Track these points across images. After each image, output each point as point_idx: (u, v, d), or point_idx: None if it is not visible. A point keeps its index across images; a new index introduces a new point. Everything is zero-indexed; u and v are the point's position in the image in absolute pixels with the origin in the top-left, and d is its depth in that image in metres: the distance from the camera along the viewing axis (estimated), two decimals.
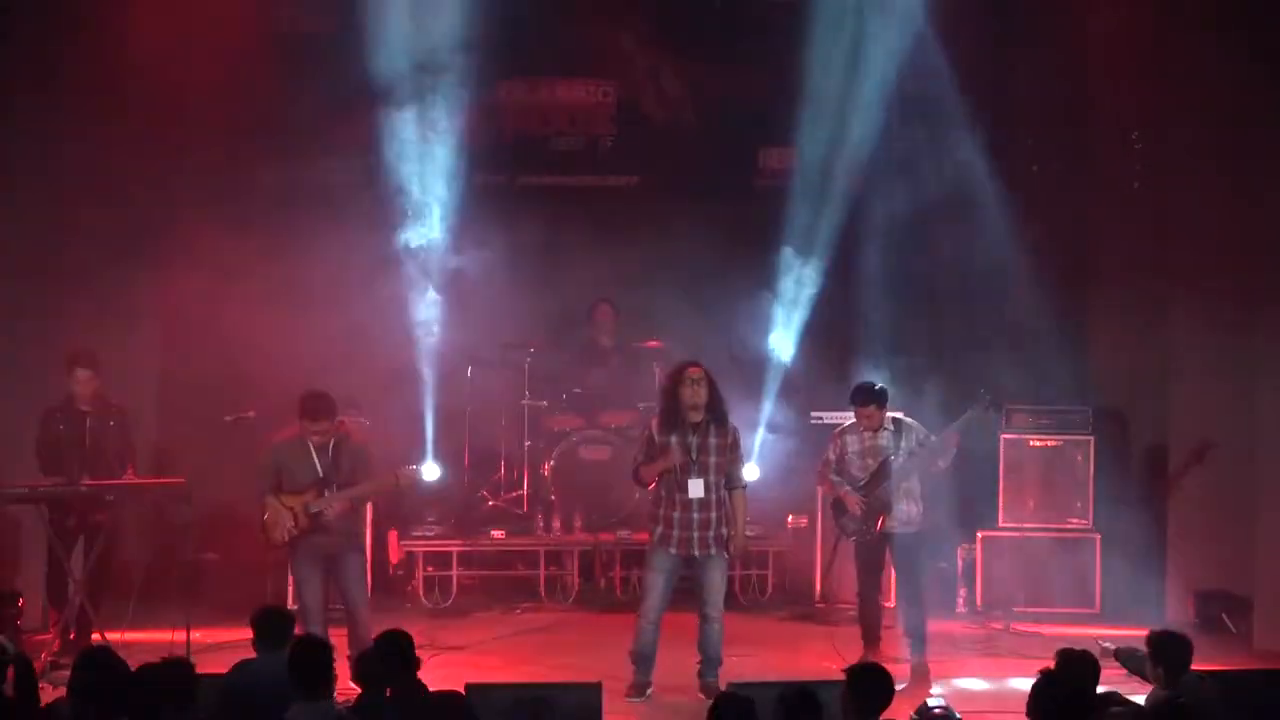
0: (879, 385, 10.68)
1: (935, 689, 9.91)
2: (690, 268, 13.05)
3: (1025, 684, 6.60)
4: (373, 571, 12.18)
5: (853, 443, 10.66)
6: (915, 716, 6.68)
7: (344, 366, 12.66)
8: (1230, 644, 10.90)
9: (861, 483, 10.57)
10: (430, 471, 12.10)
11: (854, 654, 10.53)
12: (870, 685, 6.57)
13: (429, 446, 12.48)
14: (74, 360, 10.77)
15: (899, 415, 10.70)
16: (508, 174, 14.02)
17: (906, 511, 10.54)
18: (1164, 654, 7.31)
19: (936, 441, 10.58)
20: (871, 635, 10.66)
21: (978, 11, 13.30)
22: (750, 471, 12.08)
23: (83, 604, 10.51)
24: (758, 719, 6.48)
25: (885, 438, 10.59)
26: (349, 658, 9.22)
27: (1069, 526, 12.37)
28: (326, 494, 9.93)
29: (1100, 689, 7.15)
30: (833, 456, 10.71)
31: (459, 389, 13.10)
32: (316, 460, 9.97)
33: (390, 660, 7.20)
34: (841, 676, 6.84)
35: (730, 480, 9.91)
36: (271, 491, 9.95)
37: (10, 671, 6.97)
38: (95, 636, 10.50)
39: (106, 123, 12.25)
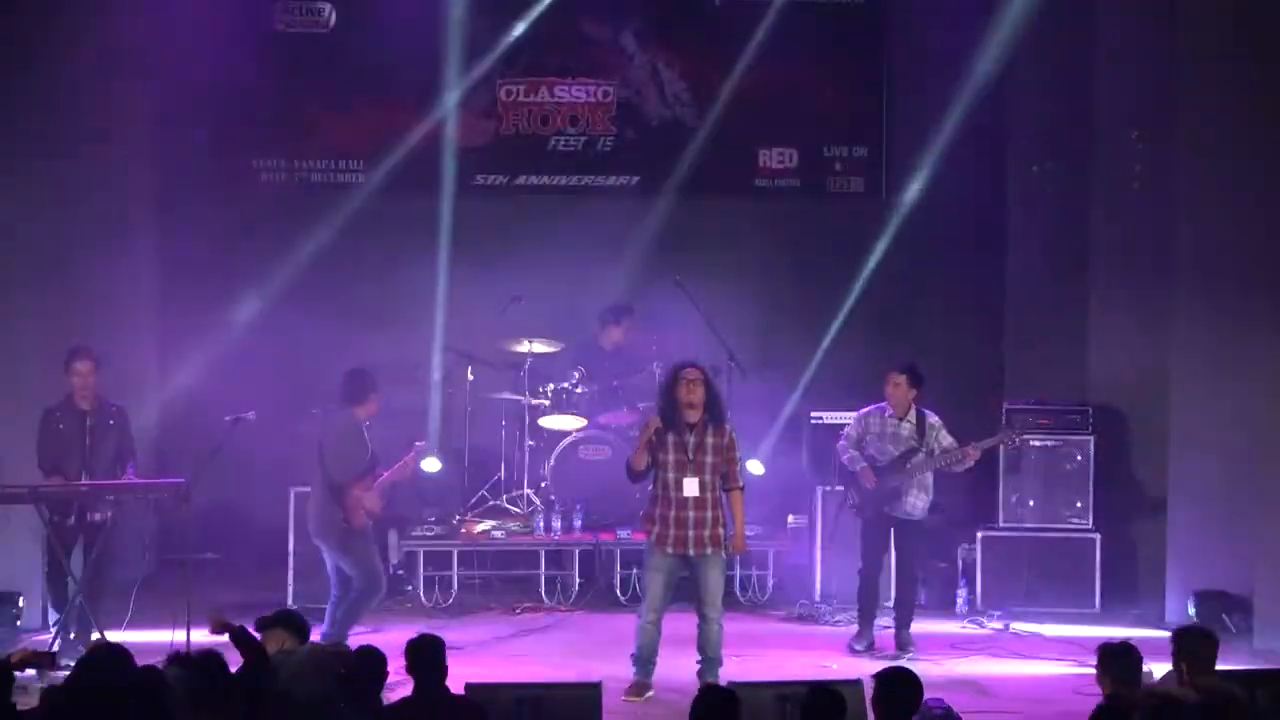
0: (916, 364, 11.08)
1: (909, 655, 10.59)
2: (690, 268, 13.03)
3: (1024, 684, 6.63)
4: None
5: (875, 424, 11.04)
6: (916, 717, 6.68)
7: (341, 366, 12.69)
8: (1230, 644, 10.88)
9: (879, 465, 10.94)
10: (431, 464, 12.26)
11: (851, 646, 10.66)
12: (899, 689, 6.58)
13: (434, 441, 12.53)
14: (73, 353, 10.77)
15: (927, 412, 11.05)
16: (508, 174, 14.02)
17: (914, 502, 10.96)
18: (1188, 650, 7.27)
19: (956, 453, 10.93)
20: (868, 615, 11.05)
21: (980, 10, 13.30)
22: (755, 466, 12.14)
23: (82, 604, 10.50)
24: (740, 713, 6.52)
25: (908, 429, 10.96)
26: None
27: (1069, 526, 12.35)
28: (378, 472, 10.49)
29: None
30: (854, 434, 11.08)
31: (459, 389, 13.09)
32: (369, 441, 10.47)
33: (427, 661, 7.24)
34: (840, 675, 6.85)
35: (728, 480, 9.93)
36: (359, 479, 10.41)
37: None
38: (95, 637, 10.49)
39: (107, 121, 12.26)
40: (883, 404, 11.04)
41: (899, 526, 11.03)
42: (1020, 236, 13.66)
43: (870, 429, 11.03)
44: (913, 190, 13.61)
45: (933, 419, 11.01)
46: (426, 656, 7.26)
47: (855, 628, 11.18)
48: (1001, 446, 11.45)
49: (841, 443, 11.14)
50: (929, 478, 10.99)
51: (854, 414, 11.30)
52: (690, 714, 6.60)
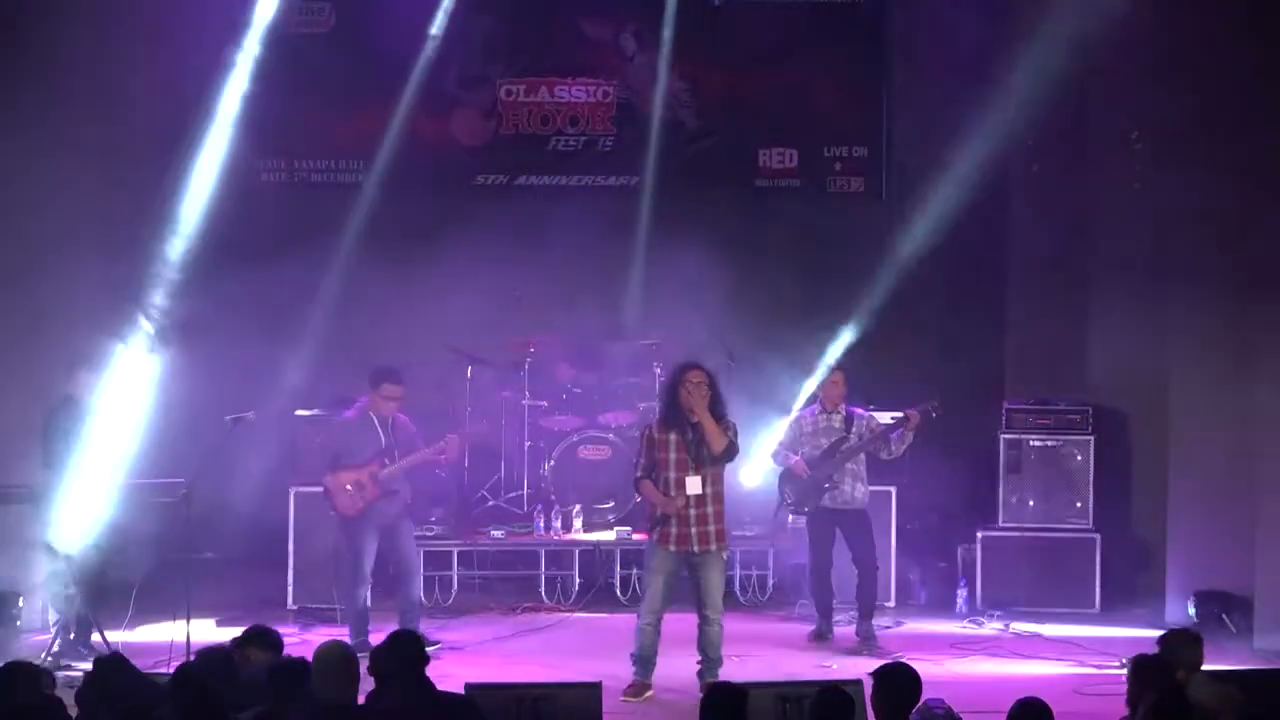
0: (847, 365, 11.56)
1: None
2: (690, 268, 13.04)
3: (1024, 684, 6.60)
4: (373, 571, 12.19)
5: (808, 424, 11.35)
6: (915, 716, 6.68)
7: (342, 367, 12.70)
8: (1230, 644, 10.89)
9: (812, 458, 11.22)
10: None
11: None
12: (897, 684, 6.59)
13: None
14: (83, 362, 10.77)
15: (854, 408, 11.39)
16: (508, 174, 14.03)
17: (850, 491, 11.19)
18: (1175, 652, 7.27)
19: (878, 436, 11.19)
20: (823, 609, 11.28)
21: (979, 11, 13.29)
22: (751, 477, 12.15)
23: (82, 604, 10.49)
24: (748, 712, 6.52)
25: (838, 419, 11.27)
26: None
27: (1069, 526, 12.36)
28: (389, 462, 10.69)
29: None
30: (789, 438, 11.35)
31: (459, 389, 13.09)
32: (380, 433, 10.72)
33: (404, 659, 7.17)
34: (841, 675, 6.85)
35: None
36: (330, 470, 10.72)
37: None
38: (95, 637, 10.50)
39: (106, 122, 12.26)
40: (812, 406, 11.42)
41: (845, 519, 11.20)
42: (1020, 236, 13.65)
43: (804, 429, 11.33)
44: (912, 190, 13.60)
45: (859, 411, 11.37)
46: (407, 653, 7.20)
47: (852, 625, 11.30)
48: (931, 414, 11.31)
49: (775, 449, 11.38)
50: (863, 468, 11.22)
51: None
52: (700, 712, 6.60)
